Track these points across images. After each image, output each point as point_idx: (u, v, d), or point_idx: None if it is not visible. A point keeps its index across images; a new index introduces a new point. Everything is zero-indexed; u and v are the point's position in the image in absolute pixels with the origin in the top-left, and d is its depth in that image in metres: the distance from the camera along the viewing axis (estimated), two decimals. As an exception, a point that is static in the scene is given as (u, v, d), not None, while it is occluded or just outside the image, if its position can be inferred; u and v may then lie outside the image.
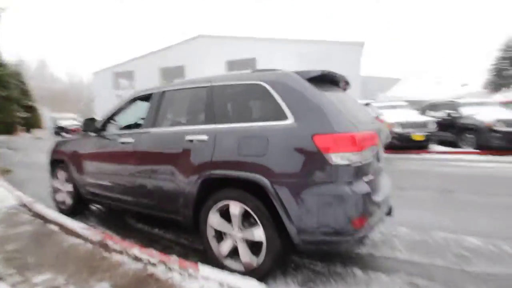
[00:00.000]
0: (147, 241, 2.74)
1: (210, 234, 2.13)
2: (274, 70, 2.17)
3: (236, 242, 2.00)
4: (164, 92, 2.63)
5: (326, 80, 2.17)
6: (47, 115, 24.65)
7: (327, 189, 1.69)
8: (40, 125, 23.91)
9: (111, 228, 3.10)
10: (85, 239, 2.60)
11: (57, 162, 3.57)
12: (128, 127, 3.44)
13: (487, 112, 7.81)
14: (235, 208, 1.97)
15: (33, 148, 12.00)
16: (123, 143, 2.71)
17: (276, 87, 1.97)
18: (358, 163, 1.72)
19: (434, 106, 9.67)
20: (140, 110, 3.03)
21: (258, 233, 1.88)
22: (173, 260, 2.08)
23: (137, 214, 3.33)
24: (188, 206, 2.22)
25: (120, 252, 2.30)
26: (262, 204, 1.86)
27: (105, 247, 2.42)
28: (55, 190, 3.63)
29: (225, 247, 2.05)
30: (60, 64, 79.08)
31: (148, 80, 22.66)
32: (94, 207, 3.76)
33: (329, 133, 1.70)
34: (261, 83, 2.04)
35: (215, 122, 2.15)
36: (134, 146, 2.59)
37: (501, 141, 7.12)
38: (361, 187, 1.73)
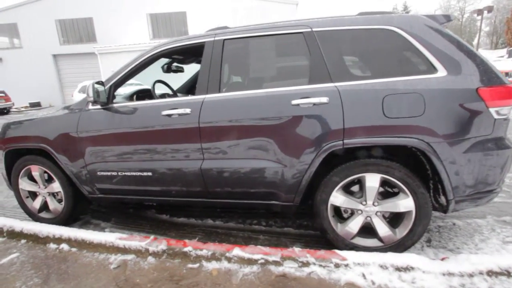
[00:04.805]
0: (210, 237, 2.21)
1: (330, 214, 1.82)
2: (392, 13, 1.80)
3: (369, 217, 1.76)
4: (224, 40, 1.93)
5: None
6: None
7: (489, 145, 1.59)
8: None
9: (145, 230, 2.37)
10: (138, 252, 1.90)
11: (22, 154, 2.39)
12: (142, 94, 2.53)
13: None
14: (373, 180, 1.69)
15: None
16: (170, 115, 1.93)
17: (415, 34, 1.64)
18: (509, 116, 1.66)
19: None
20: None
21: (405, 203, 1.68)
22: (301, 252, 1.71)
23: (169, 206, 2.66)
24: (296, 186, 1.80)
25: (215, 258, 1.76)
26: (410, 171, 1.65)
27: (182, 256, 1.82)
28: (25, 195, 2.48)
29: (354, 225, 1.79)
30: None
31: (41, 37, 17.58)
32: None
33: (496, 85, 1.55)
34: (393, 28, 1.66)
35: (331, 80, 1.70)
36: (194, 119, 1.88)
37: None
38: (510, 140, 1.70)
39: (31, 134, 2.28)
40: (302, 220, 2.37)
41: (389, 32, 1.67)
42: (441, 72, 1.59)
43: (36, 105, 17.41)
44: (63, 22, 17.76)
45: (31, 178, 2.44)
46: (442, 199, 1.72)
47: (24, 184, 2.44)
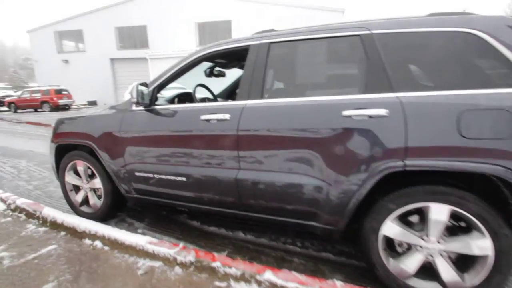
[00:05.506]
0: (240, 252, 2.06)
1: (381, 246, 1.55)
2: (470, 14, 1.52)
3: (431, 256, 1.47)
4: (270, 44, 1.80)
5: None
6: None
7: None
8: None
9: (175, 235, 2.31)
10: (166, 260, 1.82)
11: (70, 149, 2.51)
12: (184, 97, 2.52)
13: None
14: (440, 213, 1.40)
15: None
16: (208, 120, 1.86)
17: (501, 39, 1.34)
18: None
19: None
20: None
21: (481, 245, 1.36)
22: (343, 287, 1.48)
23: (200, 213, 2.58)
24: (342, 209, 1.58)
25: (244, 279, 1.61)
26: (488, 207, 1.33)
27: (210, 271, 1.70)
28: (70, 188, 2.60)
29: (410, 263, 1.50)
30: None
31: (101, 42, 19.49)
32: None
33: None
34: (473, 31, 1.38)
35: (392, 89, 1.47)
36: (232, 126, 1.77)
37: None
38: None
39: (79, 130, 2.38)
40: (343, 245, 2.11)
41: (469, 36, 1.39)
42: (539, 85, 1.27)
43: (92, 103, 19.23)
44: (121, 29, 19.52)
45: (76, 173, 2.55)
46: (531, 245, 1.36)
47: (70, 178, 2.55)
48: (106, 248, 2.01)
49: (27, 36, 21.26)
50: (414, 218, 1.55)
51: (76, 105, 17.95)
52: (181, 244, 1.90)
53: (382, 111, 1.44)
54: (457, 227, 1.51)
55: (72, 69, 20.29)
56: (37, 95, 16.28)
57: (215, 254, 1.81)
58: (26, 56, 42.43)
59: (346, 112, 1.51)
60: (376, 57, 1.52)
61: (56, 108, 15.85)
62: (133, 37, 19.73)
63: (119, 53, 19.82)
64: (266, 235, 2.27)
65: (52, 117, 11.62)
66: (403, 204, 1.46)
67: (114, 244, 2.01)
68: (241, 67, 2.78)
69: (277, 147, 1.69)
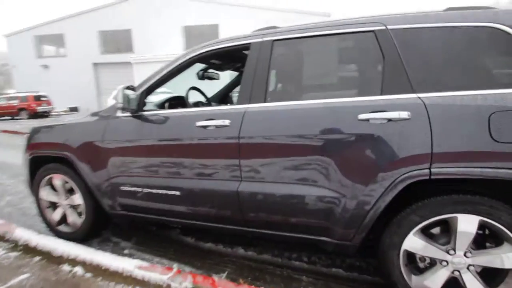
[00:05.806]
0: (242, 271, 1.86)
1: (403, 263, 1.40)
2: (492, 8, 1.41)
3: (457, 271, 1.32)
4: (274, 42, 1.63)
5: None
6: None
7: None
8: None
9: (167, 255, 2.07)
10: (159, 287, 1.59)
11: (45, 161, 2.23)
12: (175, 102, 2.31)
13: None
14: (469, 224, 1.26)
15: None
16: (205, 127, 1.66)
17: (529, 33, 1.23)
18: None
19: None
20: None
21: (515, 260, 1.23)
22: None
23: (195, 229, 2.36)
24: (358, 223, 1.42)
25: (251, 308, 1.40)
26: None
27: (211, 299, 1.48)
28: (46, 205, 2.31)
29: (435, 280, 1.35)
30: None
31: (84, 46, 18.84)
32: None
33: None
34: (498, 26, 1.27)
35: (413, 90, 1.33)
36: (234, 132, 1.58)
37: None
38: None
39: (55, 140, 2.12)
40: (353, 259, 1.95)
41: (495, 31, 1.27)
42: None
43: (74, 109, 18.46)
44: (104, 33, 18.94)
45: (53, 188, 2.27)
46: None
47: (46, 193, 2.27)
48: (88, 275, 1.75)
49: (5, 41, 20.27)
50: (436, 230, 1.42)
51: (56, 112, 17.16)
52: (175, 268, 1.68)
53: (404, 114, 1.29)
54: (483, 238, 1.37)
55: (53, 74, 19.46)
56: (15, 102, 15.45)
57: (215, 277, 1.60)
58: (4, 61, 40.59)
59: (362, 116, 1.35)
60: (393, 54, 1.38)
61: (35, 115, 15.07)
62: (117, 41, 19.18)
63: (102, 57, 19.20)
64: (268, 251, 2.08)
65: (29, 125, 10.96)
66: (429, 215, 1.31)
67: (97, 270, 1.76)
68: (237, 68, 2.61)
69: (284, 155, 1.51)
